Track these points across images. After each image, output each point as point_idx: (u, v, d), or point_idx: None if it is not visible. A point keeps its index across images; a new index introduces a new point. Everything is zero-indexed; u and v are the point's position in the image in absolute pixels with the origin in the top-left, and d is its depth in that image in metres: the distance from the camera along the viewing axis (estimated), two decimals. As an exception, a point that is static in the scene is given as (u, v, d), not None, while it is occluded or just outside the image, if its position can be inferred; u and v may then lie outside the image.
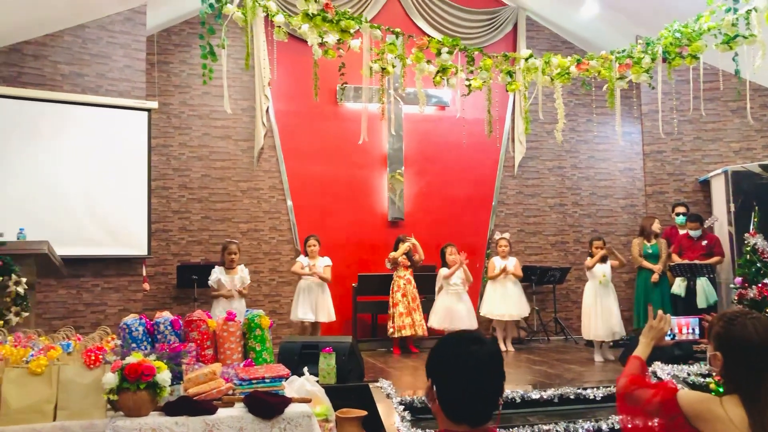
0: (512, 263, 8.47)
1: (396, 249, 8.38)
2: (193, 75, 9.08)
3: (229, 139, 9.19)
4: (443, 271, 8.26)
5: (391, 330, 8.15)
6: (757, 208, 5.20)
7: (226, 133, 9.19)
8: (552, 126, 8.95)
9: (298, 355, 5.36)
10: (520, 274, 8.49)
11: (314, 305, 7.83)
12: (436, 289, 8.32)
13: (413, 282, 8.32)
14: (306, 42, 6.33)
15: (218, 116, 9.13)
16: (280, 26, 6.12)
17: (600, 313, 7.51)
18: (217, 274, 7.18)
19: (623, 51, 6.83)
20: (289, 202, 9.28)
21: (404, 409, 4.90)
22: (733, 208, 8.52)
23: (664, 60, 6.67)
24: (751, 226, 4.98)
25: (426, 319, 8.33)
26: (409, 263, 8.33)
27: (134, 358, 3.18)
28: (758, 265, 4.82)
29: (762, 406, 2.06)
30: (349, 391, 5.17)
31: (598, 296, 7.57)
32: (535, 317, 9.58)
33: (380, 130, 9.42)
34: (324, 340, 5.71)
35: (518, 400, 5.33)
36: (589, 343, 8.31)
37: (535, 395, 5.39)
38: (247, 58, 5.89)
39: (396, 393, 5.20)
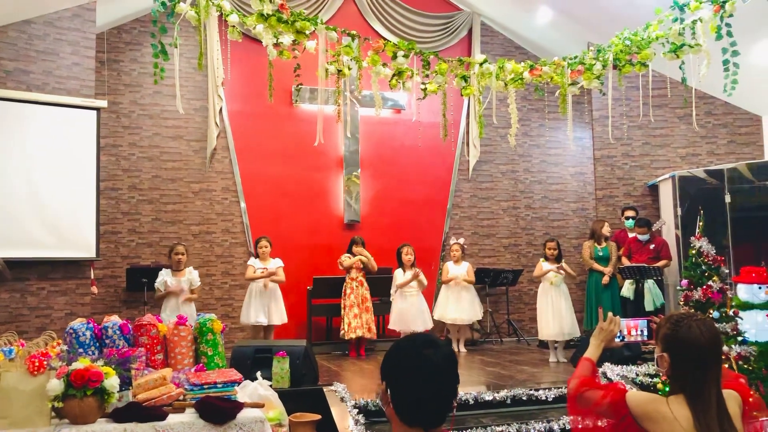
0: (464, 268, 8.55)
1: (349, 250, 8.38)
2: (144, 74, 8.93)
3: (180, 140, 9.06)
4: (398, 275, 8.28)
5: (342, 331, 8.14)
6: (702, 212, 5.35)
7: (177, 134, 9.05)
8: (506, 130, 9.08)
9: (251, 360, 5.31)
10: (472, 279, 8.57)
11: (267, 308, 7.76)
12: (392, 291, 8.35)
13: (365, 284, 8.33)
14: (261, 42, 6.28)
15: (170, 116, 8.99)
16: (234, 26, 6.05)
17: (553, 313, 7.65)
18: (163, 276, 7.07)
19: (575, 57, 6.97)
20: (243, 204, 9.19)
21: (358, 413, 4.89)
22: (680, 212, 8.77)
23: (615, 67, 6.82)
24: (697, 230, 5.13)
25: (378, 322, 8.32)
26: (362, 266, 8.34)
27: (81, 363, 3.09)
28: (703, 267, 4.97)
29: (706, 406, 2.12)
30: (303, 395, 5.14)
31: (550, 297, 7.71)
32: (488, 319, 9.69)
33: (336, 132, 9.41)
34: (278, 344, 5.66)
35: (471, 402, 5.38)
36: (542, 344, 8.45)
37: (488, 397, 5.44)
38: (200, 57, 5.81)
39: (350, 396, 5.19)
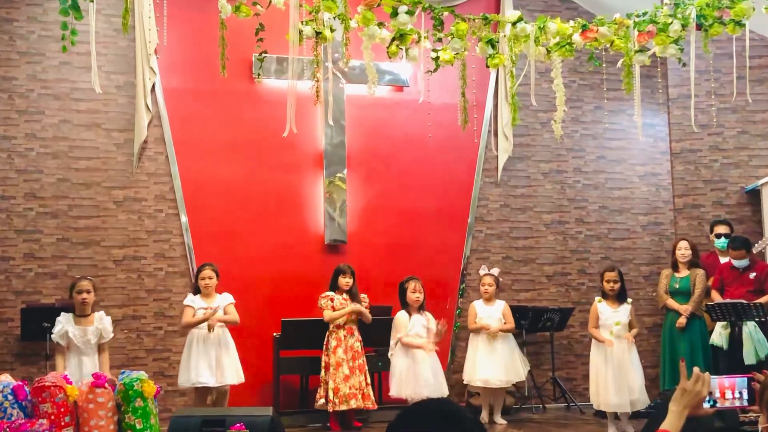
0: (499, 309, 8.58)
1: (333, 285, 8.35)
2: (47, 38, 8.95)
3: (98, 129, 9.07)
4: (401, 320, 8.19)
5: (322, 401, 8.08)
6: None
7: (93, 121, 9.06)
8: (548, 115, 9.10)
9: (197, 435, 5.29)
10: (511, 326, 8.62)
11: (215, 362, 7.73)
12: (392, 343, 8.29)
13: (356, 332, 8.30)
14: (209, -6, 6.31)
15: (83, 96, 9.00)
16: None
17: (613, 374, 7.60)
18: (63, 324, 6.96)
19: (644, 14, 7.00)
20: (184, 218, 9.19)
21: None
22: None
23: (699, 27, 6.85)
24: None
25: (375, 384, 8.28)
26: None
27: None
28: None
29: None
30: (269, 485, 5.12)
31: (610, 352, 7.68)
32: (526, 377, 9.67)
33: (314, 119, 9.41)
34: (233, 414, 5.63)
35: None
36: (600, 413, 8.43)
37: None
38: (125, 16, 5.82)
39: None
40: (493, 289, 8.64)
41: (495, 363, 8.41)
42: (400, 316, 8.26)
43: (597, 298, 7.95)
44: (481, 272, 8.86)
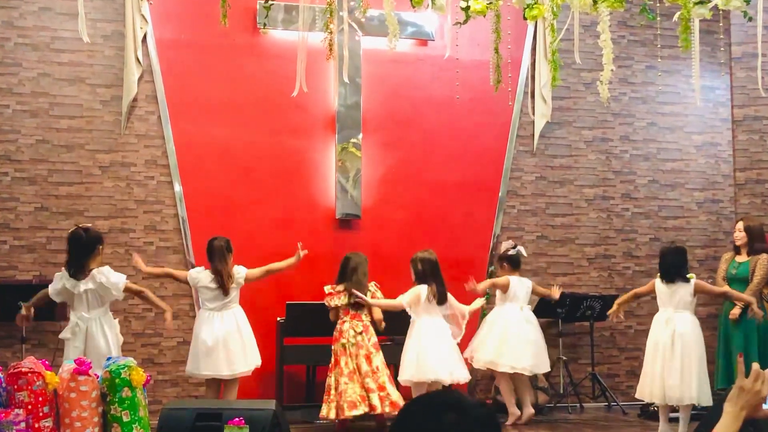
0: (527, 285, 8.67)
1: (343, 276, 8.32)
2: (26, -20, 8.97)
3: (82, 84, 9.09)
4: (421, 292, 8.19)
5: (325, 410, 8.04)
6: None
7: (77, 75, 9.08)
8: (593, 75, 9.05)
9: (190, 430, 5.30)
10: (556, 294, 8.85)
11: (222, 348, 7.78)
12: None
13: (370, 328, 8.28)
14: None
15: (65, 47, 9.01)
16: None
17: (663, 364, 7.59)
18: (62, 280, 7.12)
19: (705, -39, 6.94)
20: (177, 187, 9.22)
21: None
22: None
23: (768, -24, 6.79)
24: None
25: (394, 378, 8.29)
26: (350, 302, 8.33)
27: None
28: None
29: None
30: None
31: (664, 339, 7.68)
32: (561, 372, 9.70)
33: (326, 76, 9.41)
34: (231, 407, 5.70)
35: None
36: (646, 412, 8.45)
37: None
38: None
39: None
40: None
41: (518, 345, 8.46)
42: (420, 288, 8.23)
43: (656, 279, 7.89)
44: (504, 247, 9.04)
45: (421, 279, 8.25)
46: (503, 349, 8.49)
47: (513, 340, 8.50)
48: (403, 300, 8.19)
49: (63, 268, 7.20)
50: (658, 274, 7.88)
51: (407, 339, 8.23)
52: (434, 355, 8.05)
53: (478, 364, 8.69)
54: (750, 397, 2.59)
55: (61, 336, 7.08)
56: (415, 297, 8.17)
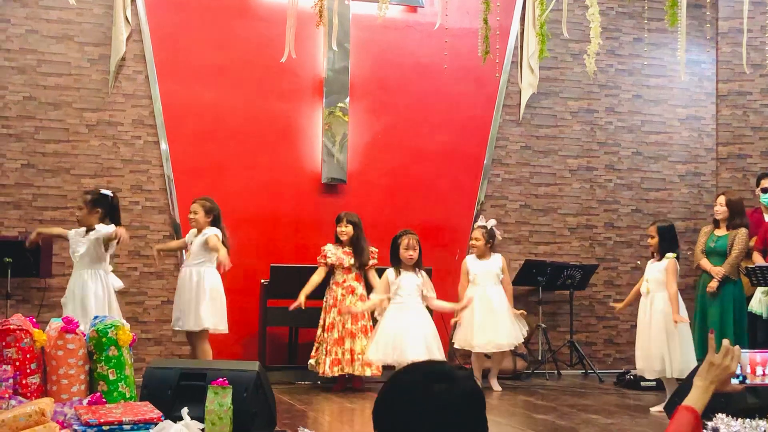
0: (496, 264, 8.54)
1: (337, 239, 8.43)
2: (15, -65, 8.90)
3: (69, 42, 9.05)
4: (388, 277, 8.08)
5: (312, 361, 8.25)
6: None
7: (65, 32, 9.04)
8: (581, 47, 9.07)
9: (174, 389, 5.32)
10: (507, 286, 8.65)
11: (184, 305, 7.84)
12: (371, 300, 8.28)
13: (360, 290, 8.37)
14: None
15: (53, 3, 8.95)
16: None
17: (650, 336, 7.60)
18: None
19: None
20: (164, 147, 9.22)
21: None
22: None
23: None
24: None
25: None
26: (354, 263, 8.39)
27: None
28: None
29: None
30: (252, 446, 5.23)
31: (648, 312, 7.70)
32: (540, 339, 9.81)
33: (315, 41, 9.40)
34: (215, 367, 5.73)
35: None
36: (622, 380, 8.56)
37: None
38: None
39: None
40: (481, 243, 8.52)
41: (489, 325, 8.37)
42: (387, 273, 8.12)
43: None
44: (477, 225, 8.81)
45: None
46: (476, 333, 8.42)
47: (479, 326, 8.39)
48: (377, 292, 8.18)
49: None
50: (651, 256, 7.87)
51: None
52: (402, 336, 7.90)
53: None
54: (719, 372, 2.64)
55: (116, 288, 7.45)
56: (384, 283, 8.12)
